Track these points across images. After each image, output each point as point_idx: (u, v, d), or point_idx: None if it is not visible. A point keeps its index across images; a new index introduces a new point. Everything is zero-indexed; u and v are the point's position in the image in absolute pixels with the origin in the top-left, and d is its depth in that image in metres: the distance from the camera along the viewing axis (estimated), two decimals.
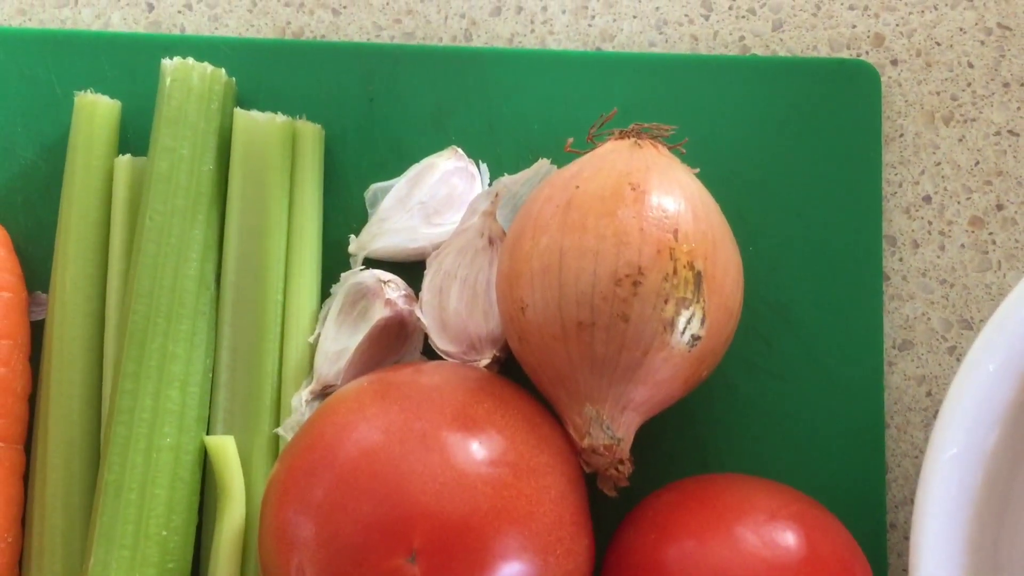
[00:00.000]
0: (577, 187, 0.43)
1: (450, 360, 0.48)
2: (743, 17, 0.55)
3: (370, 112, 0.53)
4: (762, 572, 0.40)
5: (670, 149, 0.46)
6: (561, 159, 0.50)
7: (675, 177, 0.44)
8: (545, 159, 0.49)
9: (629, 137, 0.46)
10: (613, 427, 0.42)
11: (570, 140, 0.47)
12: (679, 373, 0.42)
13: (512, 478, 0.39)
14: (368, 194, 0.51)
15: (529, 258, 0.43)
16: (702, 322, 0.42)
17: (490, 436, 0.40)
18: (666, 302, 0.41)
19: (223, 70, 0.50)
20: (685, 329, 0.41)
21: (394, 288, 0.48)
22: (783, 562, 0.41)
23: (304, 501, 0.39)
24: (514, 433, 0.40)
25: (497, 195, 0.48)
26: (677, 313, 0.41)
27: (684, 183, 0.44)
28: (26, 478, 0.48)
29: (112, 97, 0.51)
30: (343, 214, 0.52)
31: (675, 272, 0.41)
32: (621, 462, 0.42)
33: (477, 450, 0.39)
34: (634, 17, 0.55)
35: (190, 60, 0.49)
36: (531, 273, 0.42)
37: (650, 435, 0.48)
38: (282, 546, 0.39)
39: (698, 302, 0.41)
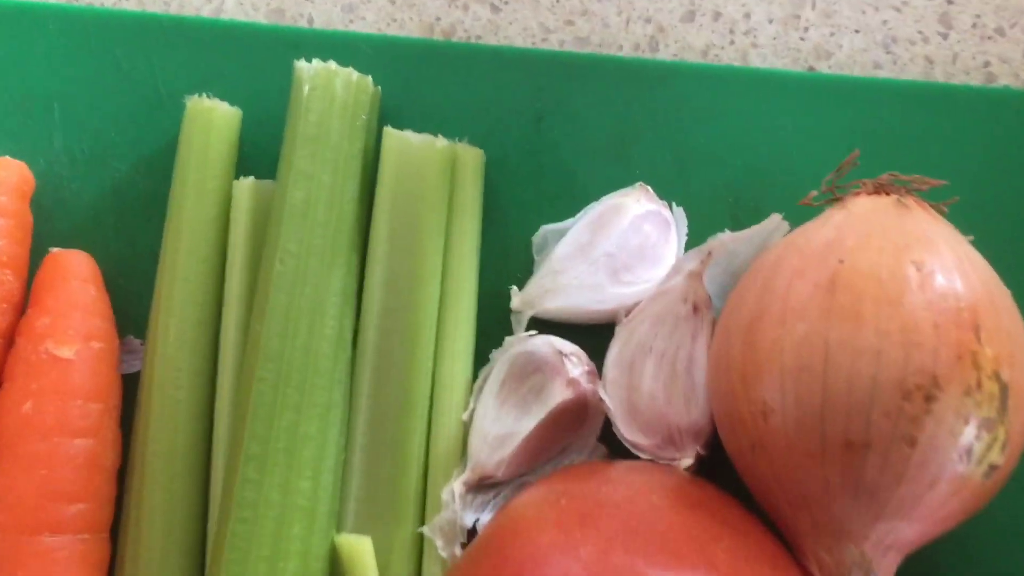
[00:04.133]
0: (841, 261, 0.34)
1: (641, 455, 0.38)
2: (989, 38, 0.45)
3: (537, 134, 0.43)
4: None
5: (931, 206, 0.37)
6: (777, 208, 0.40)
7: (964, 253, 0.34)
8: (777, 214, 0.39)
9: (888, 193, 0.36)
10: (875, 572, 0.33)
11: (812, 193, 0.38)
12: (966, 507, 0.33)
13: None
14: (537, 238, 0.42)
15: (779, 349, 0.33)
16: (1003, 447, 0.32)
17: None
18: (966, 423, 0.32)
19: (369, 78, 0.41)
20: (984, 457, 0.32)
21: (576, 363, 0.39)
22: None
23: None
24: None
25: (710, 254, 0.39)
26: (977, 437, 0.32)
27: (975, 261, 0.34)
28: (110, 570, 0.39)
29: (227, 101, 0.42)
30: (502, 259, 0.42)
31: (979, 385, 0.32)
32: None
33: None
34: (856, 31, 0.45)
35: (332, 64, 0.40)
36: (781, 370, 0.33)
37: None
38: None
39: (1002, 423, 0.32)
